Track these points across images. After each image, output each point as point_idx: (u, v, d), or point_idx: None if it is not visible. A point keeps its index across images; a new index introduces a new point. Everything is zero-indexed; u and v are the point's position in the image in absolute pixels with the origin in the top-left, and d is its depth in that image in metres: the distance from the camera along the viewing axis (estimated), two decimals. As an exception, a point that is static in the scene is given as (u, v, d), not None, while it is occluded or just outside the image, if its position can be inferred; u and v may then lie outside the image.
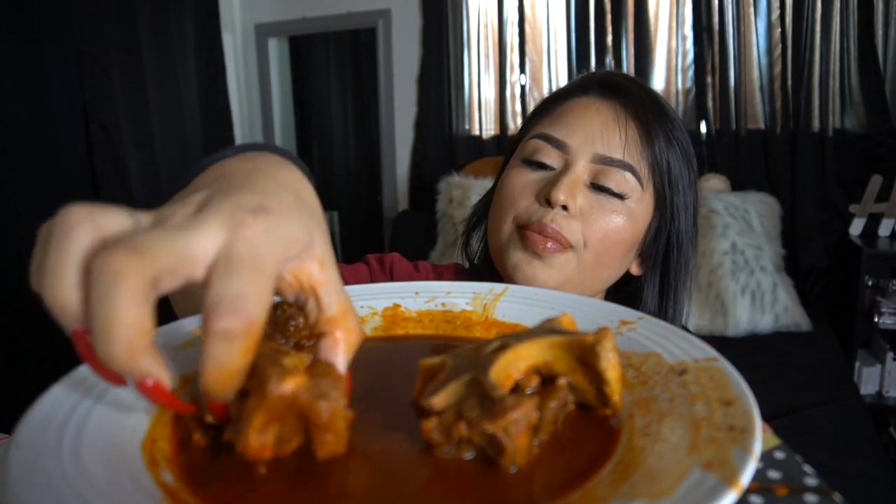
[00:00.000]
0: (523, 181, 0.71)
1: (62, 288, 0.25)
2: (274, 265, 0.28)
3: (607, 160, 0.69)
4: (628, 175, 0.69)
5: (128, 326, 0.24)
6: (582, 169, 0.69)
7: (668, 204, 0.72)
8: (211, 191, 0.30)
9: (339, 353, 0.32)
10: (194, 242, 0.26)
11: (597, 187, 0.69)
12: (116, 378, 0.27)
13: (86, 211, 0.26)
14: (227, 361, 0.26)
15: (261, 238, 0.27)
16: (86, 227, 0.26)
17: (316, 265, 0.31)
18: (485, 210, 0.83)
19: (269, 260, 0.27)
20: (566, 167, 0.70)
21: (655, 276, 0.75)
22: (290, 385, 0.27)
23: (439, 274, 0.83)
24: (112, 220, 0.27)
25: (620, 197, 0.69)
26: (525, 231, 0.69)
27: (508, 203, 0.72)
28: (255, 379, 0.28)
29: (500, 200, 0.74)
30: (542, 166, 0.71)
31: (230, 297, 0.26)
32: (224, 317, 0.26)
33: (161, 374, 0.26)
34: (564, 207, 0.67)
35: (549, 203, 0.68)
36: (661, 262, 0.75)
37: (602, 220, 0.68)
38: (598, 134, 0.69)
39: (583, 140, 0.70)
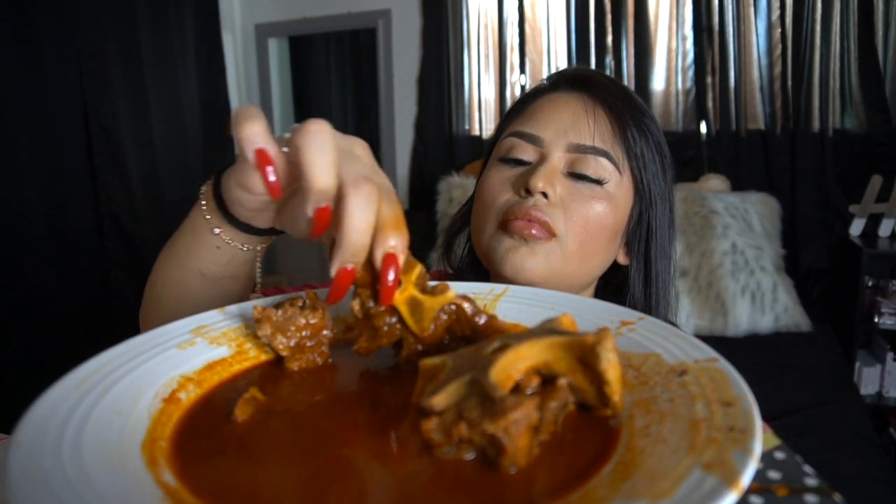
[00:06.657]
0: (501, 178, 0.72)
1: (328, 179, 0.38)
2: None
3: (581, 148, 0.70)
4: (603, 160, 0.70)
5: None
6: (558, 159, 0.70)
7: (646, 189, 0.73)
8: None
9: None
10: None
11: (574, 175, 0.70)
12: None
13: (321, 125, 0.39)
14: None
15: (363, 152, 0.43)
16: (328, 137, 0.39)
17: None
18: (466, 216, 0.83)
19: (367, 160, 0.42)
20: (542, 159, 0.71)
21: (641, 263, 0.76)
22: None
23: None
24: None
25: (599, 182, 0.70)
26: (509, 221, 0.69)
27: (489, 200, 0.72)
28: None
29: (480, 200, 0.75)
30: (518, 162, 0.72)
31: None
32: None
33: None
34: (545, 195, 0.68)
35: (528, 192, 0.69)
36: (643, 248, 0.76)
37: (583, 207, 0.69)
38: (570, 124, 0.71)
39: (555, 132, 0.71)
